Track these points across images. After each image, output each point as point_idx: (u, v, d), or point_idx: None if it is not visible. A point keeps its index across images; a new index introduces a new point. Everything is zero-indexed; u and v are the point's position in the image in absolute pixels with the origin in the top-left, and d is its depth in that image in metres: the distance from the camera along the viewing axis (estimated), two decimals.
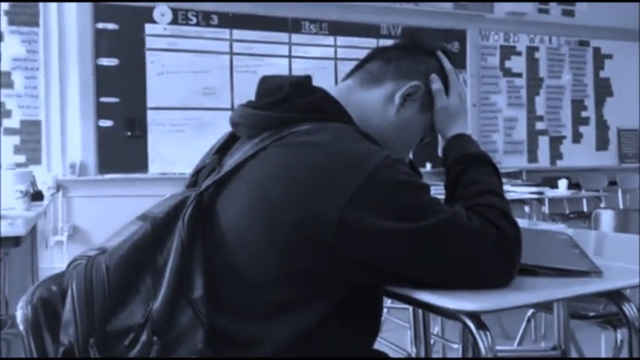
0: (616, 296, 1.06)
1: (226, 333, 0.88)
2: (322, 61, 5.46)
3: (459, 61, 5.95)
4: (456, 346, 1.99)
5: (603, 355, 3.12)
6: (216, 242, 0.91)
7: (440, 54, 1.15)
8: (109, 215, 4.80)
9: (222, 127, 4.44)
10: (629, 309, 1.04)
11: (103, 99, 4.81)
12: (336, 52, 5.49)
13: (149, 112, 4.95)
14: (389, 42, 4.81)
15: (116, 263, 0.87)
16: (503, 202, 0.97)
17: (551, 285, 1.00)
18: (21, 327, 0.97)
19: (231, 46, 5.19)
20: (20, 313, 0.97)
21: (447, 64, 1.15)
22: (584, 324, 2.14)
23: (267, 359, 0.88)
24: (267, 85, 1.04)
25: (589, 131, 6.61)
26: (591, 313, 2.02)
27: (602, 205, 4.41)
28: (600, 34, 6.53)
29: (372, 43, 5.58)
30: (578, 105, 6.55)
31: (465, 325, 0.91)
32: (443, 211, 0.90)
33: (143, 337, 0.83)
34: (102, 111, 4.81)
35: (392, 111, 1.08)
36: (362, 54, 4.86)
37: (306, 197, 0.87)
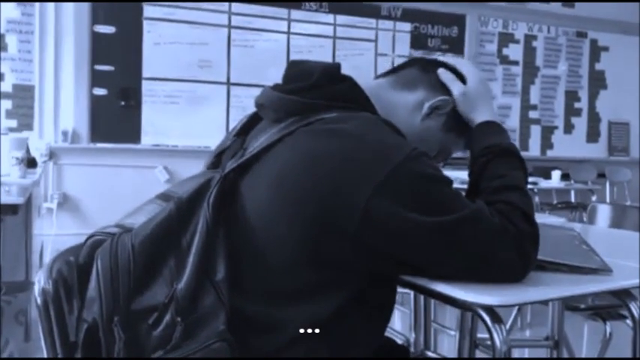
0: (623, 294, 1.08)
1: (246, 316, 0.89)
2: (320, 39, 5.42)
3: (457, 47, 5.94)
4: (452, 332, 2.03)
5: (585, 345, 3.19)
6: (239, 225, 0.92)
7: (442, 58, 1.15)
8: (99, 184, 4.78)
9: (216, 101, 4.48)
10: (636, 307, 1.07)
11: (98, 67, 4.76)
12: (335, 30, 5.45)
13: (144, 83, 4.90)
14: (388, 23, 4.77)
15: (141, 242, 0.87)
16: (525, 199, 0.98)
17: (564, 281, 1.02)
18: (38, 300, 0.97)
19: (229, 19, 5.14)
20: (37, 286, 0.97)
21: (450, 59, 1.16)
22: (568, 314, 2.18)
23: None
24: (297, 69, 1.04)
25: (580, 122, 6.65)
26: (582, 306, 2.07)
27: (594, 197, 4.46)
28: (598, 26, 6.54)
29: (371, 23, 5.55)
30: (571, 96, 6.58)
31: (480, 318, 0.93)
32: (466, 206, 0.91)
33: (167, 317, 0.84)
34: (96, 79, 4.75)
35: (417, 118, 1.09)
36: (361, 34, 4.90)
37: (332, 184, 0.88)
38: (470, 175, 1.07)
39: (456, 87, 1.10)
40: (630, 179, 6.42)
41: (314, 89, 0.98)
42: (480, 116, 1.10)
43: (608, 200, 5.88)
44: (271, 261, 0.90)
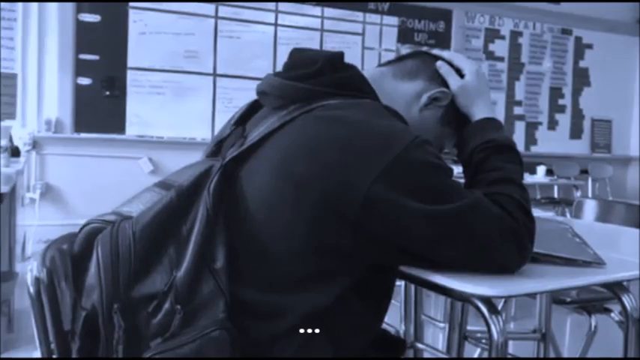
0: (616, 287, 1.09)
1: (246, 304, 0.88)
2: (308, 32, 5.40)
3: (444, 42, 5.96)
4: (441, 324, 2.04)
5: (567, 338, 3.24)
6: (240, 213, 0.91)
7: (436, 51, 1.16)
8: (83, 174, 4.72)
9: (202, 92, 4.47)
10: (629, 300, 1.08)
11: (83, 56, 4.69)
12: (322, 23, 5.44)
13: (129, 72, 4.85)
14: (376, 17, 4.76)
15: (141, 230, 0.86)
16: (522, 192, 0.99)
17: (559, 273, 1.03)
18: (31, 289, 0.95)
19: (216, 10, 5.10)
20: (30, 275, 0.96)
21: (445, 53, 1.16)
22: (553, 307, 2.20)
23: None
24: (300, 57, 1.03)
25: (564, 119, 6.71)
26: (568, 299, 2.09)
27: (579, 193, 4.50)
28: (583, 23, 6.60)
29: (358, 17, 5.54)
30: (556, 92, 6.64)
31: (478, 309, 0.93)
32: (467, 196, 0.91)
33: (166, 305, 0.83)
34: (81, 68, 4.68)
35: (416, 108, 1.09)
36: (348, 27, 4.91)
37: (334, 170, 0.88)
38: (466, 168, 1.07)
39: (453, 81, 1.10)
40: (612, 176, 6.50)
41: (318, 76, 0.98)
42: (478, 111, 1.10)
43: (590, 196, 5.95)
44: (272, 248, 0.90)
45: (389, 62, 1.15)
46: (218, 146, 1.03)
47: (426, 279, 0.96)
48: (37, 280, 0.94)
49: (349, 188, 0.87)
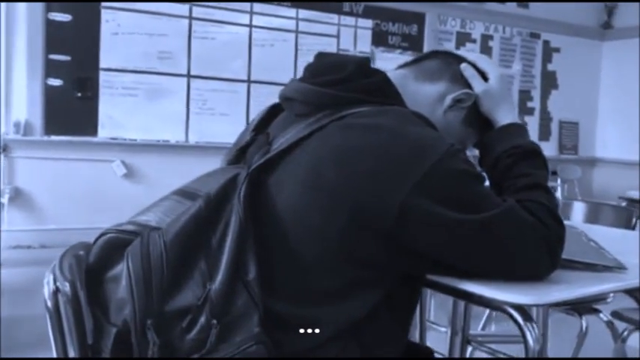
0: (637, 292, 1.10)
1: (280, 316, 0.85)
2: (283, 33, 5.36)
3: (417, 45, 5.99)
4: (443, 329, 2.04)
5: (550, 336, 3.27)
6: (269, 223, 0.88)
7: (460, 52, 1.15)
8: (53, 178, 4.60)
9: (176, 94, 4.38)
10: None
11: (53, 56, 4.57)
12: (297, 24, 5.41)
13: (101, 73, 4.74)
14: (350, 19, 4.72)
15: (172, 239, 0.82)
16: (550, 198, 0.98)
17: (584, 279, 1.02)
18: (49, 303, 0.91)
19: (190, 11, 5.03)
20: (47, 288, 0.91)
21: (470, 55, 1.15)
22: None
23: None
24: (327, 62, 1.00)
25: (533, 121, 6.82)
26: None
27: (559, 194, 4.56)
28: (551, 27, 6.73)
29: (333, 18, 5.53)
30: (525, 95, 6.75)
31: (511, 317, 0.92)
32: (500, 204, 0.90)
33: (201, 320, 0.80)
34: (51, 69, 4.56)
35: (440, 110, 1.08)
36: (323, 29, 4.89)
37: (368, 181, 0.86)
38: (491, 173, 1.06)
39: (477, 84, 1.09)
40: (580, 177, 6.63)
41: (348, 82, 0.95)
42: (502, 116, 1.09)
43: (560, 198, 6.05)
44: (304, 259, 0.87)
45: (408, 63, 1.13)
46: (240, 153, 0.99)
47: (455, 287, 0.94)
48: (56, 293, 0.90)
49: (384, 198, 0.85)
